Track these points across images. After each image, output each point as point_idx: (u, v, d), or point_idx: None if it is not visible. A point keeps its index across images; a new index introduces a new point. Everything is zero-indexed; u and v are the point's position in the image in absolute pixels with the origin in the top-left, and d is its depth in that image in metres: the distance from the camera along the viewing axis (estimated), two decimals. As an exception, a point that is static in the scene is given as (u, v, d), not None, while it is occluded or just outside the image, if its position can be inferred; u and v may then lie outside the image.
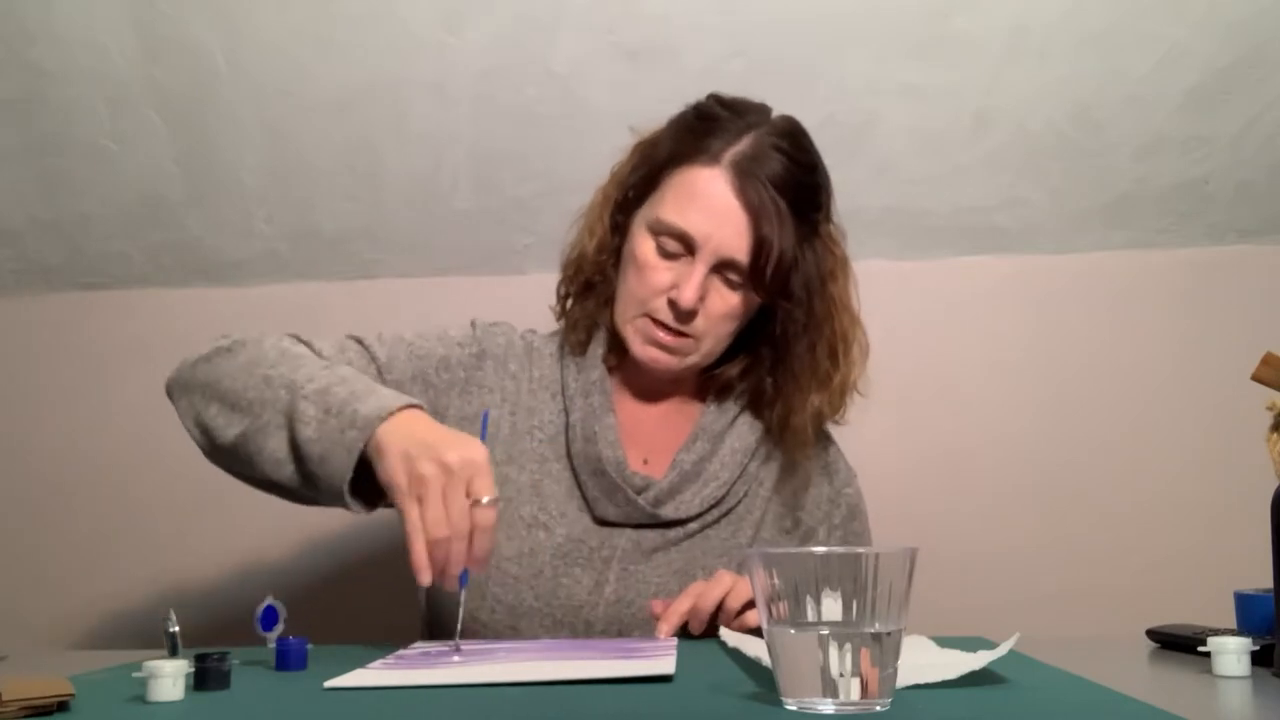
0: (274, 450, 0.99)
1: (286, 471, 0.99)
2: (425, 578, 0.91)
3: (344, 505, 0.97)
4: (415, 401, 0.97)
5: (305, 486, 0.99)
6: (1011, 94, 1.54)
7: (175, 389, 1.11)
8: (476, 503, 0.91)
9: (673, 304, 1.12)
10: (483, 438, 0.99)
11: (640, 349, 1.16)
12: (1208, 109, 1.54)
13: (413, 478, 0.91)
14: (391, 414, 0.94)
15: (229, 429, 1.03)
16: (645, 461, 1.20)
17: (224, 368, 1.06)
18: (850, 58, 1.51)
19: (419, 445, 0.92)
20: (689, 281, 1.11)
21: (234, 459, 1.04)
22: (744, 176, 1.11)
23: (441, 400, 1.17)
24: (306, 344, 1.12)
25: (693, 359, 1.17)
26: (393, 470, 0.92)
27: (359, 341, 1.16)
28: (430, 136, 1.59)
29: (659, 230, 1.13)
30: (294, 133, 1.60)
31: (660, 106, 1.21)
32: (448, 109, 1.57)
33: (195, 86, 1.55)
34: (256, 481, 1.06)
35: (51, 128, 1.59)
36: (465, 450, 0.92)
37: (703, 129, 1.15)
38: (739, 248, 1.11)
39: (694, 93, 1.20)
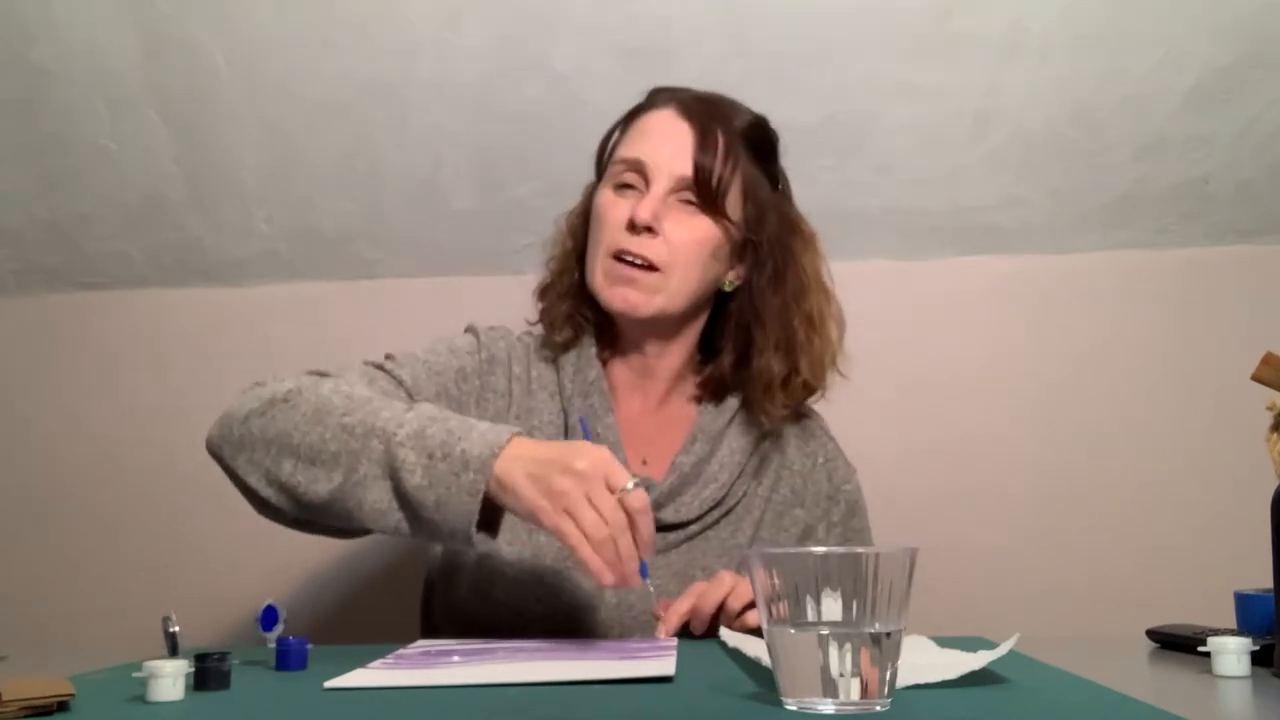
0: (375, 502, 0.95)
1: (392, 521, 0.95)
2: (608, 577, 0.90)
3: (466, 546, 0.94)
4: (516, 430, 0.95)
5: (415, 532, 0.96)
6: (1011, 94, 1.54)
7: (227, 446, 1.03)
8: (623, 494, 0.90)
9: (631, 225, 1.14)
10: (587, 439, 1.02)
11: (609, 293, 1.16)
12: (1208, 109, 1.54)
13: (552, 495, 0.90)
14: (503, 447, 0.92)
15: (317, 485, 0.97)
16: (644, 462, 1.20)
17: (288, 420, 0.99)
18: (850, 57, 1.51)
19: (543, 465, 0.91)
20: (645, 200, 1.14)
21: (326, 515, 0.99)
22: (688, 106, 1.17)
23: (463, 413, 1.14)
24: (339, 379, 1.07)
25: (660, 299, 1.16)
26: (530, 497, 0.91)
27: (379, 368, 1.13)
28: (430, 136, 1.59)
29: (615, 171, 1.17)
30: (294, 133, 1.59)
31: (660, 106, 1.22)
32: (448, 109, 1.57)
33: (195, 86, 1.55)
34: (334, 531, 1.02)
35: (52, 128, 1.59)
36: (589, 453, 0.92)
37: (647, 100, 1.21)
38: (688, 163, 1.15)
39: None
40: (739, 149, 1.17)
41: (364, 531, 1.00)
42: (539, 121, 1.58)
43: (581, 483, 0.90)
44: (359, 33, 1.50)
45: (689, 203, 1.15)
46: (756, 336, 1.20)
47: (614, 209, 1.16)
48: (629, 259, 1.14)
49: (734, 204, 1.17)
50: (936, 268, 1.69)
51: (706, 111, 1.17)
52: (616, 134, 1.22)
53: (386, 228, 1.69)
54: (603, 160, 1.23)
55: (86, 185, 1.65)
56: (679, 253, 1.15)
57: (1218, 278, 1.66)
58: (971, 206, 1.64)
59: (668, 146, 1.15)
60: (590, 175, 1.26)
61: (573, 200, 1.27)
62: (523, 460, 0.92)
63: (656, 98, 1.20)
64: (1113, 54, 1.50)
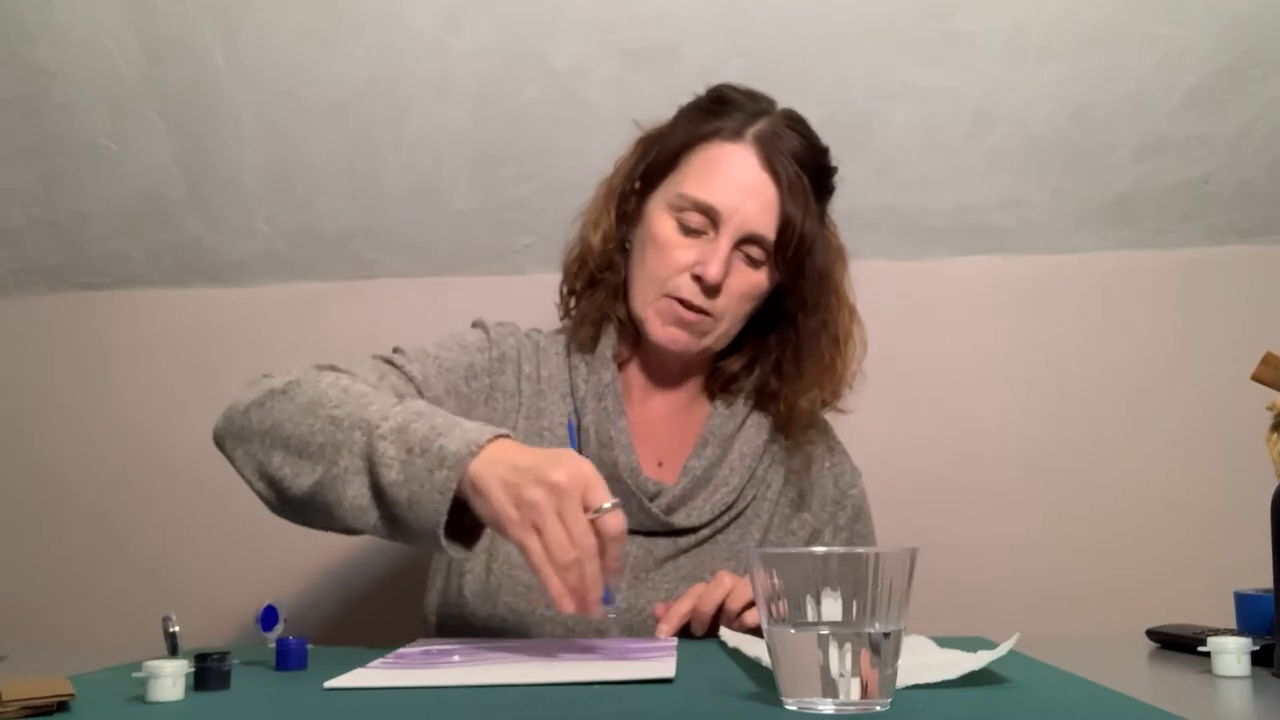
0: (355, 497, 0.91)
1: (370, 519, 0.91)
2: (568, 605, 0.84)
3: (438, 548, 0.89)
4: (503, 431, 0.90)
5: (392, 532, 0.91)
6: (1011, 94, 1.54)
7: (228, 439, 1.01)
8: (597, 514, 0.85)
9: (698, 279, 1.12)
10: (573, 447, 0.97)
11: (660, 330, 1.15)
12: (1208, 109, 1.53)
13: (522, 506, 0.84)
14: (482, 447, 0.87)
15: (300, 478, 0.94)
16: (660, 464, 1.19)
17: (283, 411, 0.97)
18: (850, 58, 1.51)
19: (518, 472, 0.85)
20: (715, 256, 1.11)
21: (309, 510, 0.96)
22: (770, 151, 1.12)
23: (472, 411, 1.14)
24: (345, 373, 1.05)
25: (709, 340, 1.16)
26: (498, 504, 0.85)
27: (388, 362, 1.11)
28: (430, 136, 1.59)
29: (682, 206, 1.13)
30: (294, 133, 1.59)
31: (660, 106, 1.22)
32: (448, 109, 1.57)
33: (195, 86, 1.55)
34: (333, 529, 0.98)
35: (52, 128, 1.59)
36: (570, 464, 0.85)
37: (719, 110, 1.16)
38: (765, 223, 1.12)
39: (694, 93, 1.21)
40: (813, 209, 1.14)
41: (357, 530, 0.98)
42: (539, 121, 1.58)
43: (555, 496, 0.84)
44: (359, 33, 1.50)
45: (750, 257, 1.14)
46: (786, 365, 1.20)
47: (678, 251, 1.13)
48: (689, 307, 1.13)
49: (798, 257, 1.15)
50: (936, 268, 1.69)
51: (789, 169, 1.11)
52: (682, 142, 1.16)
53: (386, 228, 1.69)
54: (662, 156, 1.17)
55: (86, 185, 1.65)
56: (734, 303, 1.15)
57: (1218, 278, 1.66)
58: (972, 206, 1.64)
59: (749, 204, 1.11)
60: (592, 175, 1.25)
61: (573, 199, 1.26)
62: (500, 464, 0.86)
63: (728, 122, 1.14)
64: (1113, 54, 1.50)
